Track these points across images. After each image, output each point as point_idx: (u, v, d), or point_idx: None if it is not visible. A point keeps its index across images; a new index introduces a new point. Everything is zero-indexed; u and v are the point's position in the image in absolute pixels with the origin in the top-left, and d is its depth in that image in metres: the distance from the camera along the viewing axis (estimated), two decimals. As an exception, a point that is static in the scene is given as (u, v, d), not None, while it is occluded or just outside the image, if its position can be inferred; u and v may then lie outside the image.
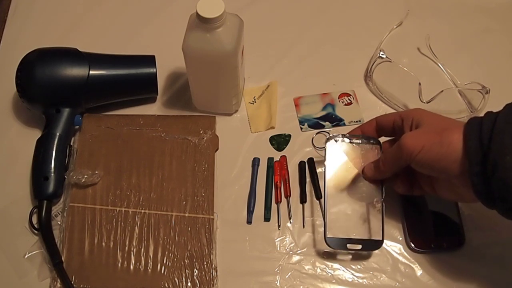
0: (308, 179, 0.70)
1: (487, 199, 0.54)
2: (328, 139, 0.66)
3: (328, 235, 0.63)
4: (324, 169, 0.65)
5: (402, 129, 0.62)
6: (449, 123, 0.58)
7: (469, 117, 0.74)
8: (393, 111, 0.76)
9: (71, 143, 0.71)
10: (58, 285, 0.62)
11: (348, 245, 0.63)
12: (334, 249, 0.64)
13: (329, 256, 0.65)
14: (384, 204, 0.63)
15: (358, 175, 0.65)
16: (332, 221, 0.64)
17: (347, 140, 0.66)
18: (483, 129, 0.53)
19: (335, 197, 0.65)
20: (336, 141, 0.66)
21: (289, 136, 0.74)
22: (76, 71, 0.70)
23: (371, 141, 0.66)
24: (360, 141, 0.66)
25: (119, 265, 0.63)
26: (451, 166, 0.54)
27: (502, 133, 0.52)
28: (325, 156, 0.66)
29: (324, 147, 0.66)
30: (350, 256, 0.65)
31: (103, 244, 0.64)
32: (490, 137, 0.52)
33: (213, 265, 0.63)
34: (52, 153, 0.68)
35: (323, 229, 0.63)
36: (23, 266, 0.64)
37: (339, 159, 0.66)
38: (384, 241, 0.65)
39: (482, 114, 0.73)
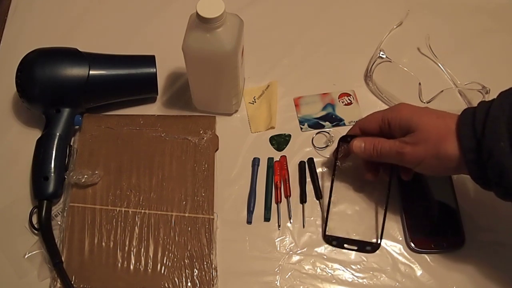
0: (308, 179, 0.70)
1: (485, 183, 0.56)
2: (341, 138, 0.68)
3: (327, 232, 0.65)
4: (335, 166, 0.67)
5: (391, 133, 0.61)
6: (444, 127, 0.57)
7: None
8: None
9: (71, 143, 0.71)
10: (58, 285, 0.62)
11: (345, 245, 0.65)
12: (331, 246, 0.65)
13: (329, 256, 0.65)
14: (387, 208, 0.64)
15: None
16: (333, 220, 0.65)
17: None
18: (476, 118, 0.54)
19: (339, 196, 0.67)
20: (348, 140, 0.67)
21: (289, 136, 0.74)
22: (76, 71, 0.70)
23: None
24: None
25: (119, 265, 0.63)
26: (449, 170, 0.60)
27: (496, 120, 0.53)
28: (336, 155, 0.67)
29: (337, 146, 0.68)
30: (351, 256, 0.65)
31: (103, 244, 0.64)
32: (484, 124, 0.53)
33: (213, 265, 0.63)
34: (52, 153, 0.68)
35: (322, 225, 0.65)
36: (23, 266, 0.64)
37: (349, 158, 0.68)
38: (384, 241, 0.65)
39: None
